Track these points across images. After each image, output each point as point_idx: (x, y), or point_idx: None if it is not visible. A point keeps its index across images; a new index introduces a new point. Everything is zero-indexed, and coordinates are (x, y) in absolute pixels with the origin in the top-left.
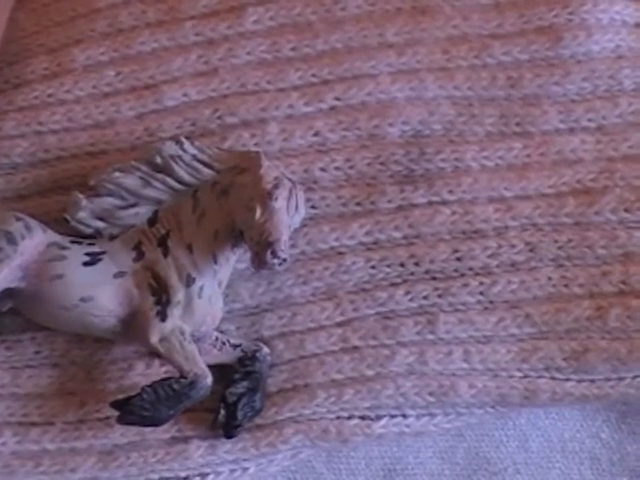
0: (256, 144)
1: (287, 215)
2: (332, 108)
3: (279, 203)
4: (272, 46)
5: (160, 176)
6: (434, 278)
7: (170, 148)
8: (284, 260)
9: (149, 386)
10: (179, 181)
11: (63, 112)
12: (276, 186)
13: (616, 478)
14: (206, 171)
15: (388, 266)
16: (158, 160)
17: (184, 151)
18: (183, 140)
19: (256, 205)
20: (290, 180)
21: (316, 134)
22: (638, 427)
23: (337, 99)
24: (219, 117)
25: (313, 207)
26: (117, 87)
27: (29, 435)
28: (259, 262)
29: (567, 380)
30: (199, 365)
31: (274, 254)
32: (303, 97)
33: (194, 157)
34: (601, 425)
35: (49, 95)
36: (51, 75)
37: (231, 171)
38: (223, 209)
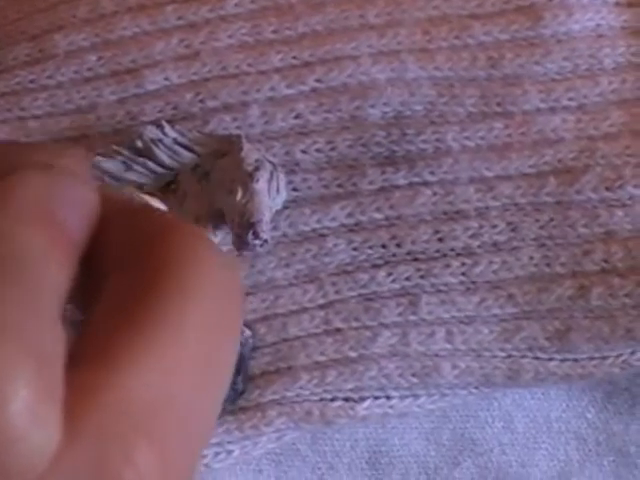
0: (238, 127)
1: (268, 197)
2: (313, 90)
3: (260, 185)
4: (253, 29)
5: (141, 160)
6: (416, 259)
7: (151, 132)
8: (265, 241)
9: None
10: (160, 165)
11: (45, 97)
12: (257, 168)
13: (602, 458)
14: (187, 154)
15: (370, 248)
16: (139, 144)
17: (165, 135)
18: (164, 124)
19: (237, 187)
20: (271, 162)
21: (297, 116)
22: (624, 407)
23: (318, 81)
24: (201, 101)
25: (294, 189)
26: (99, 72)
27: None
28: (241, 243)
29: (550, 360)
30: None
31: (255, 235)
32: (284, 79)
33: (175, 141)
34: (587, 405)
35: (31, 81)
36: (33, 61)
37: (212, 154)
38: (204, 192)
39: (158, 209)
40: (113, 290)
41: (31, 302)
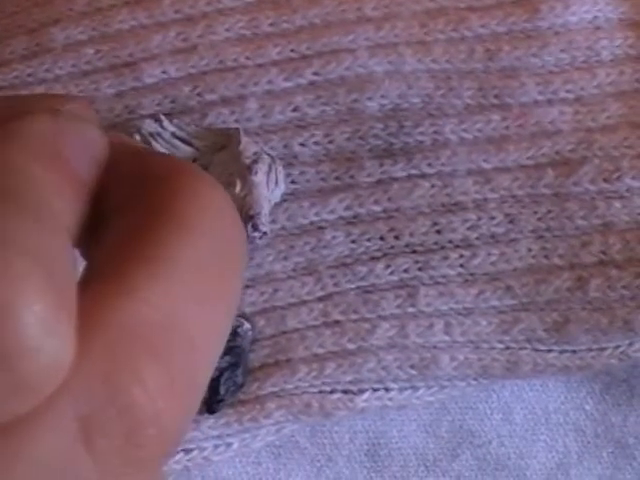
0: (236, 120)
1: (267, 189)
2: (311, 83)
3: (259, 177)
4: (251, 22)
5: None
6: (414, 251)
7: (149, 126)
8: (264, 233)
9: None
10: None
11: (43, 91)
12: (255, 161)
13: (601, 449)
14: (185, 148)
15: (368, 240)
16: (137, 138)
17: (163, 128)
18: (162, 118)
19: (236, 180)
20: (269, 155)
21: (295, 109)
22: (622, 398)
23: (316, 74)
24: (198, 94)
25: (293, 182)
26: (96, 65)
27: None
28: None
29: (549, 351)
30: None
31: (255, 227)
32: (282, 73)
33: (173, 134)
34: (585, 397)
35: (29, 75)
36: (30, 55)
37: (210, 148)
38: None
39: (162, 154)
40: (120, 223)
41: (40, 222)
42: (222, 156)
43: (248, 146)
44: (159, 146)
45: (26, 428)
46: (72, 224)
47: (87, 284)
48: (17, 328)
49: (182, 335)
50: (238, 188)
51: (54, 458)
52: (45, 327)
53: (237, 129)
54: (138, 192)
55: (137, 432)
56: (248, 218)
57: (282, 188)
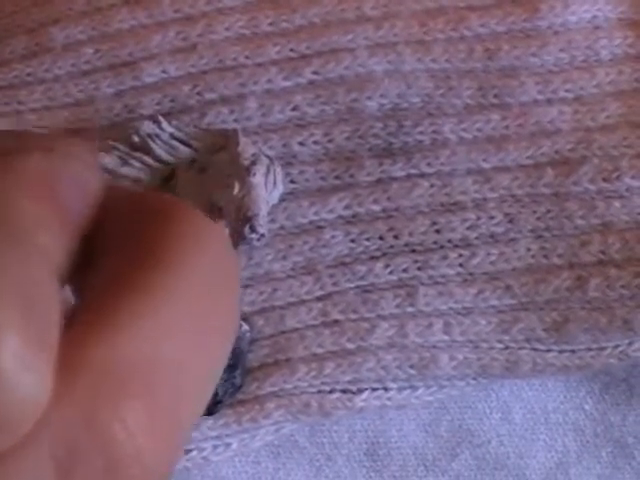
0: (235, 120)
1: (265, 191)
2: (310, 82)
3: (257, 179)
4: (250, 21)
5: (138, 155)
6: (413, 251)
7: (148, 127)
8: (262, 235)
9: None
10: (157, 159)
11: (42, 91)
12: (254, 162)
13: (600, 449)
14: (184, 149)
15: (367, 239)
16: (136, 139)
17: (162, 130)
18: (161, 119)
19: (234, 181)
20: (268, 156)
21: (295, 109)
22: (622, 398)
23: (315, 73)
24: (198, 93)
25: (292, 182)
26: (96, 65)
27: None
28: (238, 237)
29: (548, 351)
30: None
31: (252, 229)
32: (281, 72)
33: (172, 135)
34: (585, 396)
35: (28, 74)
36: (30, 54)
37: (209, 149)
38: (201, 187)
39: (157, 193)
40: (109, 261)
41: (24, 254)
42: (220, 157)
43: (246, 147)
44: (157, 147)
45: (2, 465)
46: (59, 260)
47: (72, 320)
48: None
49: (166, 374)
50: (236, 189)
51: None
52: (22, 363)
53: (235, 130)
54: (129, 231)
55: (117, 470)
56: (246, 219)
57: (280, 189)
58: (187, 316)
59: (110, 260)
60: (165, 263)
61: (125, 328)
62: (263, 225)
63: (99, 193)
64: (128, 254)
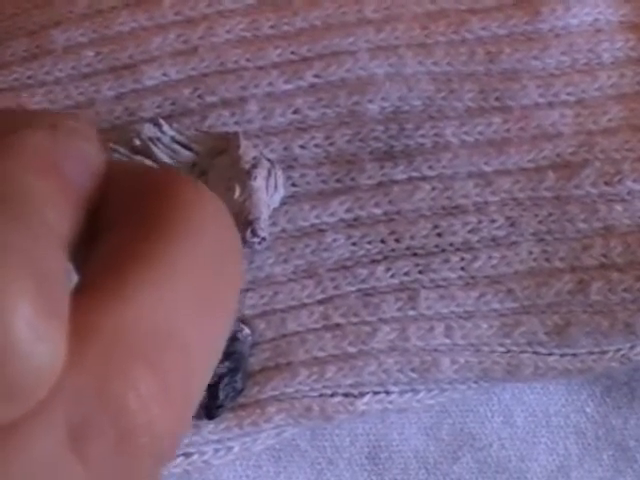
0: (236, 122)
1: (266, 194)
2: (311, 85)
3: (258, 182)
4: (251, 24)
5: (139, 158)
6: (415, 254)
7: (149, 130)
8: (263, 239)
9: None
10: (158, 163)
11: (43, 93)
12: (255, 166)
13: (601, 452)
14: (185, 153)
15: (369, 243)
16: (137, 142)
17: (162, 133)
18: (162, 122)
19: (235, 185)
20: (269, 160)
21: (296, 112)
22: (623, 401)
23: (316, 76)
24: (199, 96)
25: (293, 185)
26: (96, 67)
27: None
28: None
29: (550, 354)
30: None
31: (254, 233)
32: (282, 75)
33: (172, 139)
34: (586, 399)
35: (29, 77)
36: (30, 57)
37: (210, 152)
38: None
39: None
40: (115, 234)
41: (32, 229)
42: (221, 161)
43: (247, 151)
44: (159, 151)
45: (16, 433)
46: (66, 234)
47: (81, 291)
48: (7, 332)
49: (177, 342)
50: (237, 193)
51: (44, 463)
52: (35, 332)
53: (236, 133)
54: (133, 204)
55: (129, 439)
56: (247, 223)
57: (281, 193)
58: (192, 287)
59: (115, 233)
60: (169, 235)
61: (133, 297)
62: (264, 229)
63: (102, 167)
64: (132, 227)
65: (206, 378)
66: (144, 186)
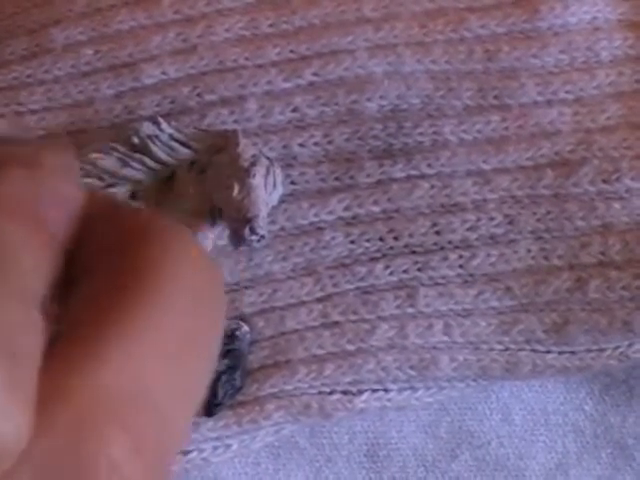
0: (235, 121)
1: (265, 192)
2: (310, 84)
3: (257, 180)
4: (250, 23)
5: (138, 156)
6: (413, 252)
7: (147, 128)
8: (262, 236)
9: None
10: (157, 161)
11: (42, 92)
12: (253, 163)
13: (600, 450)
14: (183, 150)
15: (367, 241)
16: (135, 140)
17: (161, 131)
18: (160, 120)
19: (234, 182)
20: (267, 158)
21: (294, 110)
22: (621, 399)
23: (315, 75)
24: (198, 94)
25: (292, 183)
26: (96, 66)
27: None
28: (237, 239)
29: (548, 352)
30: None
31: (252, 230)
32: (281, 73)
33: (171, 137)
34: (584, 397)
35: (28, 75)
36: (30, 55)
37: (208, 150)
38: (201, 188)
39: (139, 207)
40: (90, 285)
41: (6, 297)
42: (220, 158)
43: (246, 148)
44: (157, 149)
45: None
46: (42, 284)
47: (54, 349)
48: None
49: (149, 403)
50: (236, 191)
51: None
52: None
53: (235, 131)
54: (109, 250)
55: None
56: (246, 221)
57: (280, 191)
58: (171, 339)
59: (90, 282)
60: (145, 286)
61: (108, 358)
62: (263, 226)
63: (80, 207)
64: (108, 276)
65: (185, 430)
66: (118, 229)
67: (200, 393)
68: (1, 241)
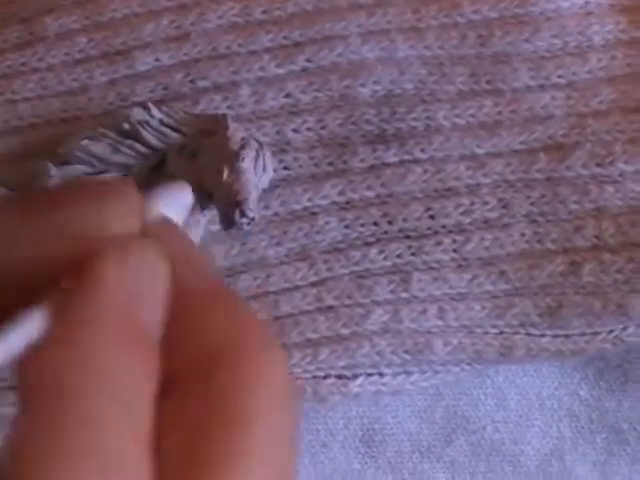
0: (228, 107)
1: (255, 175)
2: (303, 70)
3: (246, 163)
4: (243, 10)
5: (128, 142)
6: (407, 237)
7: (137, 114)
8: (252, 219)
9: None
10: (147, 146)
11: (36, 80)
12: (243, 147)
13: (595, 435)
14: (174, 135)
15: (361, 225)
16: (126, 126)
17: (151, 116)
18: (150, 105)
19: (223, 166)
20: (257, 141)
21: (288, 96)
22: (616, 384)
23: (308, 61)
24: (191, 81)
25: (286, 168)
26: (89, 54)
27: None
28: (228, 222)
29: (542, 336)
30: None
31: (242, 213)
32: (274, 59)
33: (161, 122)
34: (579, 382)
35: (22, 64)
36: (24, 44)
37: (198, 134)
38: (191, 172)
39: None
40: (184, 410)
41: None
42: (210, 142)
43: (236, 132)
44: (148, 134)
45: None
46: (151, 412)
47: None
48: None
49: None
50: (225, 174)
51: None
52: None
53: (225, 115)
54: (197, 368)
55: None
56: (236, 204)
57: (270, 174)
58: (267, 468)
59: (184, 408)
60: (241, 417)
61: None
62: (253, 209)
63: (170, 287)
64: (202, 407)
65: None
66: (209, 344)
67: None
68: (118, 381)
